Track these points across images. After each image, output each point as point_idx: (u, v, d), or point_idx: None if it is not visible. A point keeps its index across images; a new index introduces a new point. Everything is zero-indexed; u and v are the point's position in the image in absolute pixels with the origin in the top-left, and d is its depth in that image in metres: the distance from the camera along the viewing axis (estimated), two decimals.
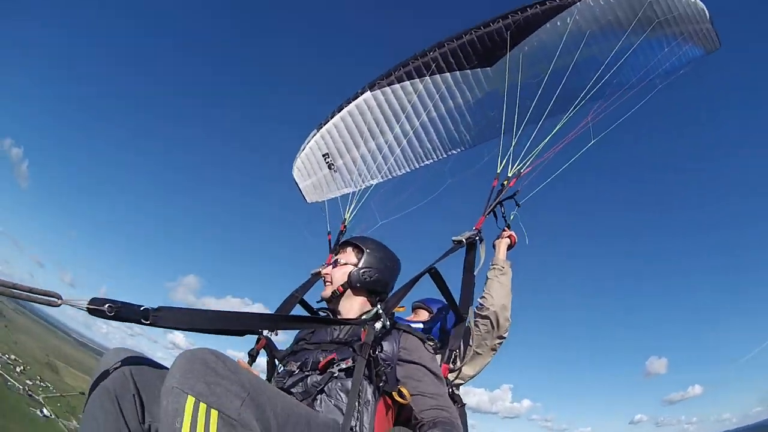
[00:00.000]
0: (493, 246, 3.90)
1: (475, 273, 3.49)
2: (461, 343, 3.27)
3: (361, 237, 3.08)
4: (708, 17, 4.09)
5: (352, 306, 2.87)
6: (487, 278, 3.62)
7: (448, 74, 4.67)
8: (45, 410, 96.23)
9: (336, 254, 3.02)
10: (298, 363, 2.56)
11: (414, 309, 4.03)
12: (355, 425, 2.16)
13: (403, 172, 5.21)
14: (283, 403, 1.75)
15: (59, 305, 1.45)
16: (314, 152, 5.35)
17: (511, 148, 3.91)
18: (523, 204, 4.02)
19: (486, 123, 4.80)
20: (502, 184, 3.90)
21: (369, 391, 2.30)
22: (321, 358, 2.47)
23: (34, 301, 1.47)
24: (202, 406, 1.37)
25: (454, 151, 5.11)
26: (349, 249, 2.97)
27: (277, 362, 2.86)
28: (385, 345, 2.51)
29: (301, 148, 5.43)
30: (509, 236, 3.93)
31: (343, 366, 2.37)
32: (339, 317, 2.84)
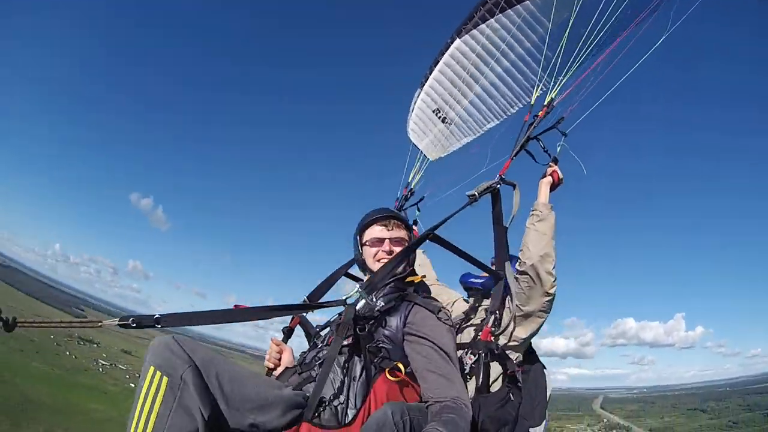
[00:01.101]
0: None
1: (507, 224, 3.32)
2: (502, 304, 3.15)
3: (402, 214, 3.14)
4: None
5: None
6: (526, 227, 3.22)
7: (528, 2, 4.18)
8: None
9: (389, 228, 2.91)
10: (322, 338, 2.80)
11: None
12: (342, 402, 2.32)
13: (515, 110, 4.91)
14: (232, 374, 2.15)
15: (101, 326, 1.99)
16: (424, 111, 5.33)
17: (551, 64, 3.42)
18: (570, 132, 3.46)
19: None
20: (535, 116, 3.45)
21: (358, 367, 2.40)
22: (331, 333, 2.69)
23: (84, 327, 2.08)
24: (158, 374, 1.96)
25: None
26: (401, 225, 2.96)
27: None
28: (391, 319, 2.56)
29: (410, 109, 5.44)
30: (552, 173, 3.43)
31: (345, 343, 2.47)
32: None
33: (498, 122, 5.00)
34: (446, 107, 5.17)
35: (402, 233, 2.92)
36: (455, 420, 2.09)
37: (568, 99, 3.46)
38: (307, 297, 3.21)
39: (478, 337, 3.08)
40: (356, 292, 2.55)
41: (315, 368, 2.52)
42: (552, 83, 3.57)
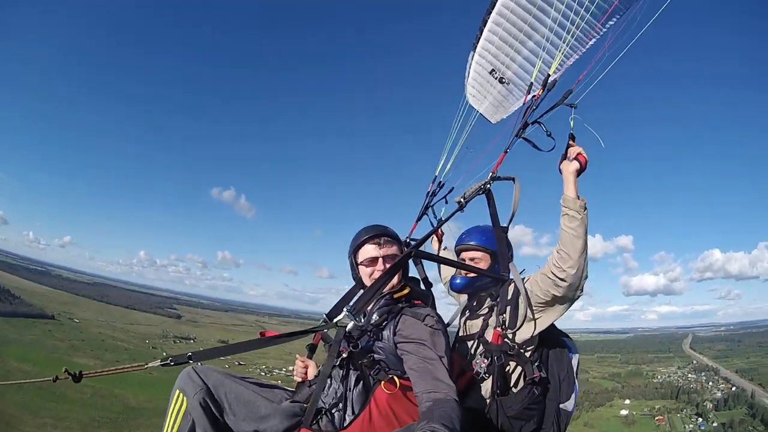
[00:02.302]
0: (560, 172, 3.01)
1: (507, 224, 3.32)
2: (512, 307, 3.12)
3: (391, 229, 3.09)
4: None
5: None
6: (560, 227, 2.91)
7: None
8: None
9: (381, 246, 2.96)
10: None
11: (459, 253, 3.62)
12: (339, 410, 2.72)
13: (573, 59, 4.77)
14: (237, 394, 2.74)
15: (146, 368, 2.57)
16: (480, 74, 5.25)
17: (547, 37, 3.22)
18: (580, 102, 3.06)
19: None
20: (533, 98, 3.11)
21: (353, 379, 2.76)
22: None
23: (134, 370, 2.71)
24: (180, 395, 2.67)
25: (611, 22, 4.32)
26: (393, 242, 3.03)
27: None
28: (384, 332, 2.75)
29: (466, 74, 5.38)
30: (577, 156, 2.94)
31: (338, 359, 2.80)
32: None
33: (558, 75, 4.90)
34: (502, 67, 5.10)
35: (393, 249, 3.00)
36: (448, 413, 2.15)
37: (573, 71, 3.12)
38: (326, 315, 3.15)
39: (489, 341, 3.16)
40: (345, 314, 2.81)
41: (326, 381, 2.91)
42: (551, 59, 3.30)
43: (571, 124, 3.05)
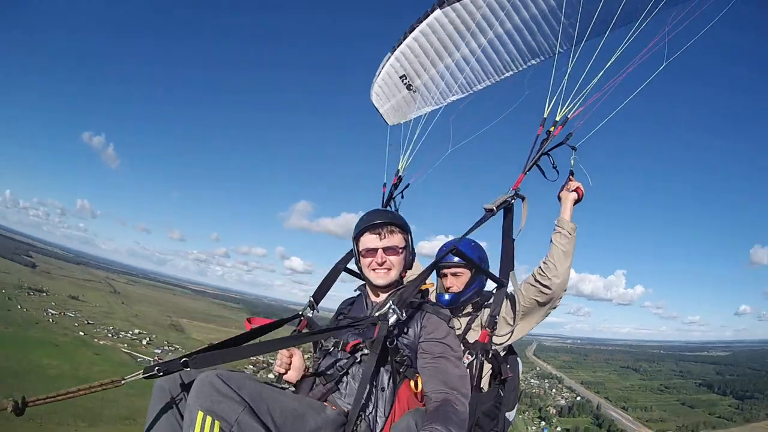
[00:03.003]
0: (559, 199, 3.48)
1: (515, 237, 3.41)
2: (502, 309, 3.31)
3: (397, 215, 3.03)
4: None
5: (390, 288, 2.94)
6: (551, 241, 3.30)
7: None
8: None
9: (382, 237, 2.87)
10: (334, 341, 2.79)
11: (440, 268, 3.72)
12: (371, 412, 2.47)
13: (483, 85, 4.88)
14: (282, 407, 2.21)
15: (123, 384, 1.99)
16: (391, 75, 5.28)
17: (565, 81, 3.31)
18: (580, 146, 3.47)
19: (562, 30, 4.13)
20: (548, 132, 3.39)
21: (385, 378, 2.54)
22: (350, 340, 2.71)
23: (105, 388, 2.00)
24: (208, 419, 1.93)
25: (534, 61, 4.56)
26: (395, 230, 2.90)
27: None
28: (409, 329, 2.70)
29: (377, 73, 5.38)
30: (576, 189, 3.44)
31: (366, 351, 2.60)
32: (375, 299, 2.96)
33: (461, 96, 5.05)
34: (413, 74, 5.17)
35: (395, 239, 2.88)
36: (460, 413, 2.31)
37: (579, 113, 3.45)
38: (312, 297, 3.20)
39: (477, 339, 3.29)
40: (389, 308, 2.57)
41: (343, 379, 2.65)
42: (564, 98, 3.48)
43: (572, 163, 3.50)
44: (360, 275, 3.10)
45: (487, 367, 3.28)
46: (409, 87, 5.27)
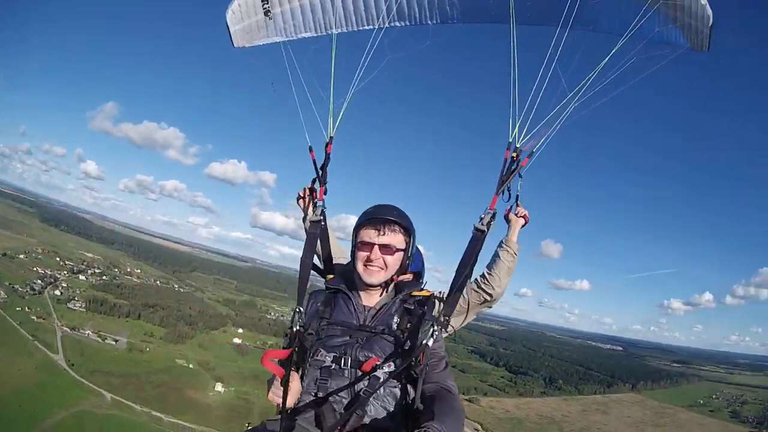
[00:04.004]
0: (506, 219, 3.69)
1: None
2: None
3: (399, 211, 2.84)
4: (710, 23, 3.69)
5: (379, 289, 2.82)
6: (498, 257, 3.54)
7: None
8: None
9: (378, 230, 2.74)
10: (331, 354, 2.55)
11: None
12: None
13: (339, 30, 4.89)
14: None
15: None
16: None
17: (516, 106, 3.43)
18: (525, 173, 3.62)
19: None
20: (512, 158, 3.46)
21: (412, 393, 2.48)
22: (361, 357, 2.50)
23: None
24: None
25: (398, 24, 4.54)
26: (396, 229, 2.77)
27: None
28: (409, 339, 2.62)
29: None
30: (524, 216, 3.71)
31: (386, 369, 2.46)
32: (363, 296, 2.81)
33: (313, 35, 4.94)
34: (275, 1, 4.88)
35: (394, 239, 2.76)
36: (460, 408, 2.32)
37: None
38: (298, 306, 2.88)
39: None
40: (430, 327, 2.51)
41: (369, 406, 2.44)
42: (521, 125, 3.52)
43: (519, 188, 3.62)
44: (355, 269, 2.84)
45: None
46: (267, 12, 4.95)
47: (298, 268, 3.13)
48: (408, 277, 3.26)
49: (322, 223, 3.35)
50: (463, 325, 3.79)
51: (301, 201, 3.82)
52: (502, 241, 3.62)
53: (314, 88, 3.89)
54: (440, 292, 3.65)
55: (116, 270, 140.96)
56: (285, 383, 2.35)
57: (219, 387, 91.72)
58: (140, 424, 74.20)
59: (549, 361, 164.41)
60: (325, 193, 3.56)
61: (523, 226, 3.72)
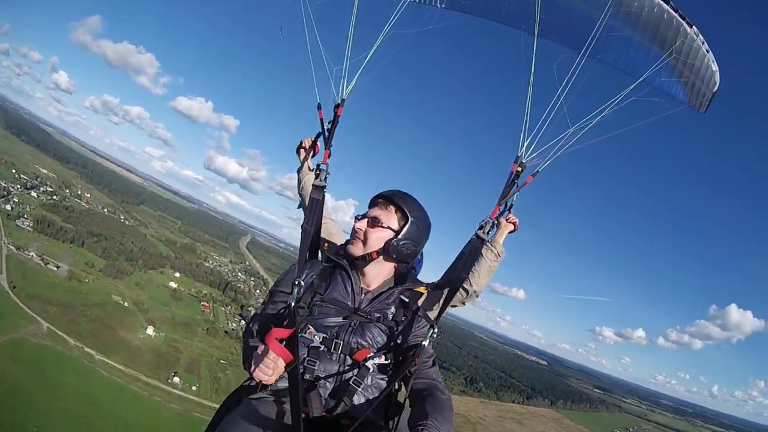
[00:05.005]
0: (497, 222, 3.67)
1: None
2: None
3: (406, 196, 2.71)
4: (715, 89, 3.79)
5: (380, 272, 2.68)
6: (482, 255, 3.53)
7: None
8: None
9: (374, 205, 2.70)
10: (321, 335, 2.43)
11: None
12: (393, 424, 2.38)
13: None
14: None
15: None
16: None
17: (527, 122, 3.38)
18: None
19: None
20: (517, 172, 3.42)
21: (398, 387, 2.48)
22: (353, 344, 2.42)
23: None
24: None
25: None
26: (392, 209, 2.66)
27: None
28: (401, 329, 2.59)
29: None
30: (513, 223, 3.76)
31: (377, 361, 2.41)
32: (361, 278, 2.66)
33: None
34: None
35: (384, 214, 2.64)
36: (450, 405, 2.34)
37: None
38: (298, 279, 2.54)
39: None
40: (431, 333, 2.49)
41: (355, 395, 2.40)
42: (530, 141, 3.48)
43: (514, 198, 3.62)
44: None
45: None
46: None
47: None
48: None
49: (325, 190, 3.04)
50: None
51: (302, 151, 3.79)
52: (487, 241, 3.47)
53: (329, 49, 3.51)
54: (432, 284, 3.81)
55: (67, 191, 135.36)
56: (293, 371, 2.16)
57: (150, 330, 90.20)
58: (73, 359, 72.58)
59: (472, 361, 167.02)
60: (329, 157, 3.23)
61: (511, 232, 3.77)
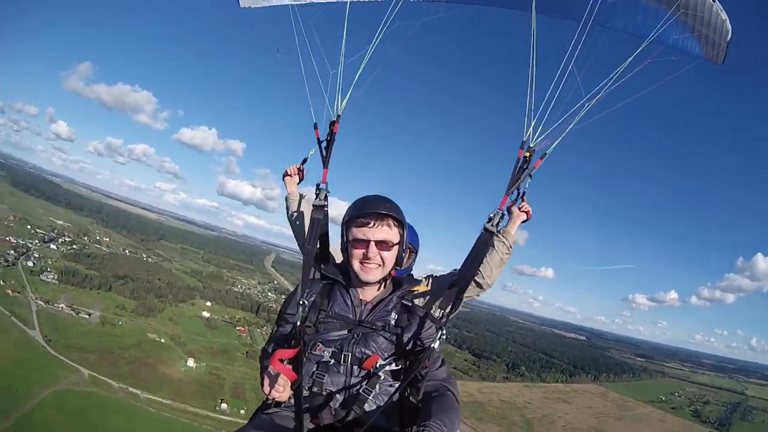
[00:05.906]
0: (508, 211, 3.61)
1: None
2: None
3: (393, 203, 2.69)
4: (728, 38, 3.73)
5: (377, 284, 2.71)
6: (493, 247, 3.49)
7: None
8: None
9: (371, 226, 2.59)
10: (330, 350, 2.48)
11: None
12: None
13: None
14: None
15: None
16: None
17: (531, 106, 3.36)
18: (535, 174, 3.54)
19: None
20: (525, 158, 3.37)
21: (409, 391, 2.49)
22: (358, 354, 2.45)
23: None
24: None
25: None
26: (391, 223, 2.63)
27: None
28: (405, 335, 2.58)
29: None
30: (526, 212, 3.65)
31: (388, 368, 2.46)
32: (359, 291, 2.69)
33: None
34: None
35: (389, 233, 2.61)
36: (457, 405, 2.38)
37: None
38: (302, 299, 2.68)
39: None
40: (439, 335, 2.54)
41: (366, 404, 2.44)
42: (535, 125, 3.44)
43: (526, 185, 3.53)
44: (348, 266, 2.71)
45: None
46: None
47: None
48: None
49: (326, 209, 3.16)
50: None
51: (287, 178, 3.89)
52: (497, 232, 3.45)
53: (322, 61, 3.63)
54: (431, 276, 3.91)
55: (86, 238, 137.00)
56: (297, 389, 2.35)
57: (191, 362, 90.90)
58: (119, 401, 73.36)
59: (512, 347, 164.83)
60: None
61: (524, 221, 3.68)
